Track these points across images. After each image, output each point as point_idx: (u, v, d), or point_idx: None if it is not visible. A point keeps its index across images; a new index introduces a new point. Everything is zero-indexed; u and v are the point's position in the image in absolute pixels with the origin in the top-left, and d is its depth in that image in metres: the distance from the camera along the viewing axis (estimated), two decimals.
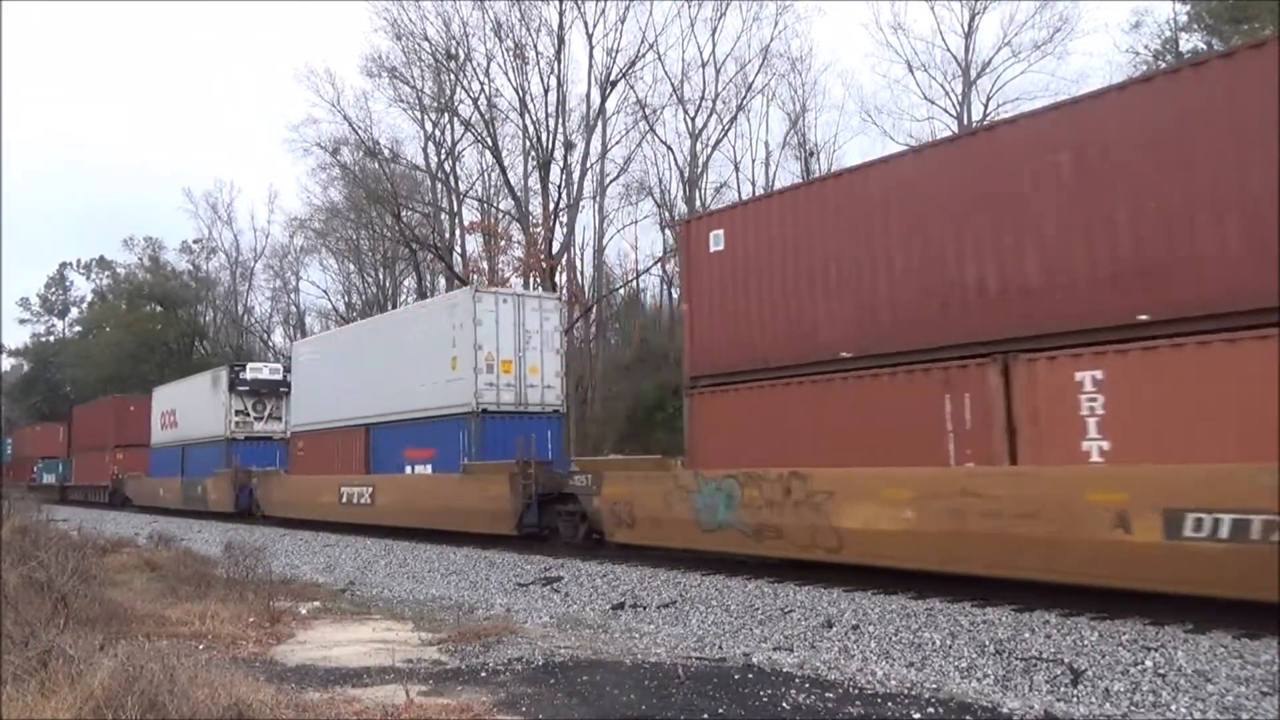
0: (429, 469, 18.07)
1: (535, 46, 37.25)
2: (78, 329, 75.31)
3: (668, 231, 41.12)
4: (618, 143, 39.15)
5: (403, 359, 19.16)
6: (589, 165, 37.97)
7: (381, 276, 53.14)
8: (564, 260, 37.80)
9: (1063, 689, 6.52)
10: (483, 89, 38.08)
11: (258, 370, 31.03)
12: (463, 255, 42.22)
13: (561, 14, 36.80)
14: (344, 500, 20.18)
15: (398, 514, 18.48)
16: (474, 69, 37.94)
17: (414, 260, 44.45)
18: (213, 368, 33.41)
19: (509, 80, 37.77)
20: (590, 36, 36.95)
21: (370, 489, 19.38)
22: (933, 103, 37.42)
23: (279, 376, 29.90)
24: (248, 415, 29.72)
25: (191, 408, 32.09)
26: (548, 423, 17.65)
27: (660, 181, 41.86)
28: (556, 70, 37.09)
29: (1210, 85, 8.01)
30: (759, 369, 11.72)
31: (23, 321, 79.66)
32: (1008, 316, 9.26)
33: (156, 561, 14.34)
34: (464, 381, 17.04)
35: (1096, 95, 9.11)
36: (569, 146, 37.75)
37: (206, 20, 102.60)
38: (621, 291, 44.01)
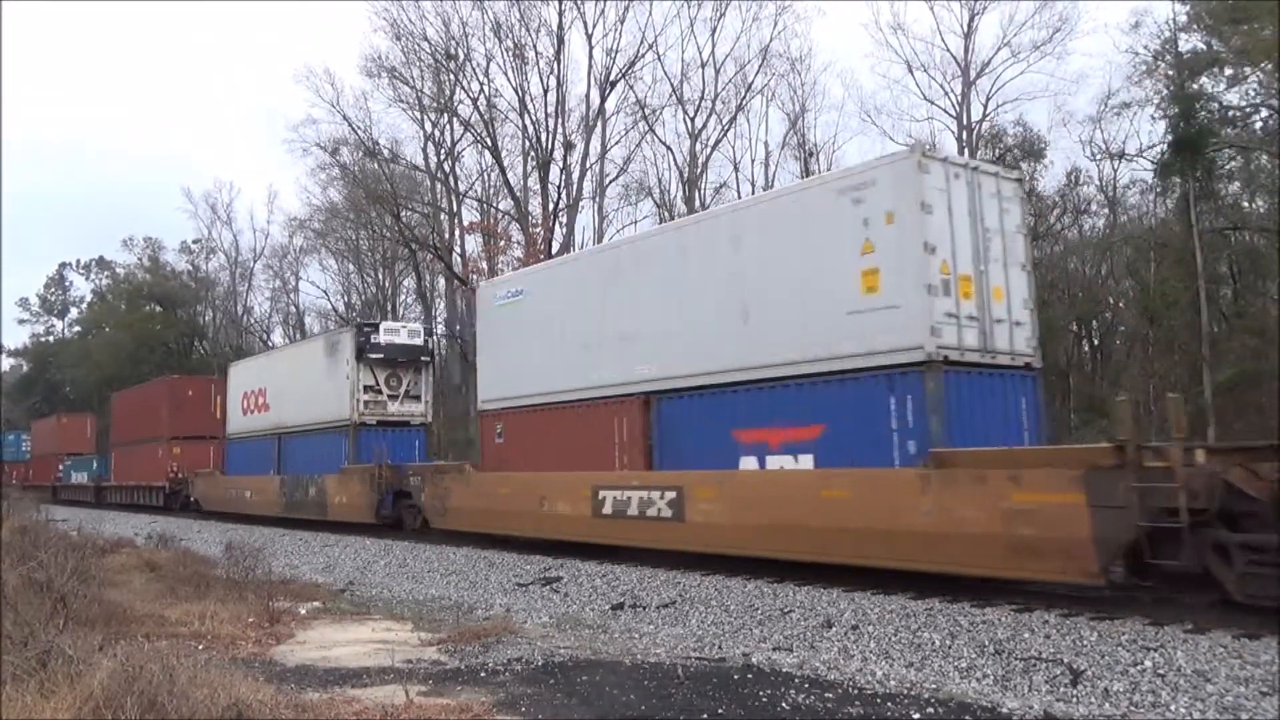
0: (808, 461, 10.98)
1: (535, 47, 37.31)
2: (77, 329, 75.53)
3: None
4: (617, 143, 39.24)
5: (735, 283, 12.04)
6: (589, 165, 38.06)
7: (381, 277, 53.17)
8: None
9: (1062, 689, 6.52)
10: (482, 89, 38.13)
11: (394, 332, 23.25)
12: (462, 255, 42.21)
13: (561, 14, 36.86)
14: (605, 510, 13.18)
15: (749, 535, 11.13)
16: (474, 69, 38.00)
17: (413, 260, 44.45)
18: (325, 333, 26.14)
19: (509, 80, 37.84)
20: (590, 37, 37.02)
21: (674, 494, 12.14)
22: (932, 103, 37.31)
23: (419, 341, 23.52)
24: (379, 392, 22.56)
25: (294, 385, 24.90)
26: (1018, 383, 10.87)
27: (660, 182, 41.81)
28: (556, 70, 37.18)
29: None
30: None
31: (22, 322, 79.99)
32: None
33: (156, 562, 14.36)
34: (899, 312, 10.07)
35: None
36: (569, 147, 37.79)
37: (206, 20, 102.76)
38: None
